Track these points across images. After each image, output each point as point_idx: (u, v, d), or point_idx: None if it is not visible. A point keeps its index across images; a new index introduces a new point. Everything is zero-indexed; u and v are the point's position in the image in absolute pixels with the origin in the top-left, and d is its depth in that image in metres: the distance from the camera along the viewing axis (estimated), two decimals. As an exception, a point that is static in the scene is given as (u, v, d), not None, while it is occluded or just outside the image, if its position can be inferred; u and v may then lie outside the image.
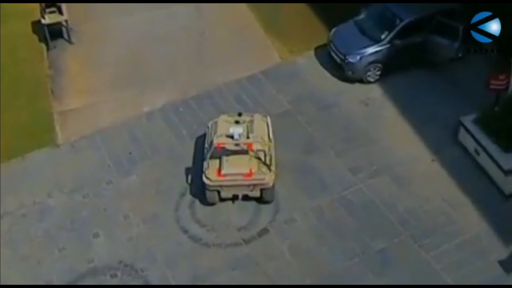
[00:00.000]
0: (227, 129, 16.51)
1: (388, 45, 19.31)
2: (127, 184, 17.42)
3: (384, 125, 18.63)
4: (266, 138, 16.86)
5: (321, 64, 20.29)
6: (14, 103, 19.44)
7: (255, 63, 20.34)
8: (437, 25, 19.19)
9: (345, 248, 15.94)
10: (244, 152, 16.40)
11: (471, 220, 16.27)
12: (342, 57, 19.56)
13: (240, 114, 17.19)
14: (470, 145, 17.51)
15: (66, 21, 20.81)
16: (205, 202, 16.82)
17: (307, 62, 20.43)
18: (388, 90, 19.45)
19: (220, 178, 16.26)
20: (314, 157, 17.83)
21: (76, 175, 17.60)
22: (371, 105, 19.20)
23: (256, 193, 16.54)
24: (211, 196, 16.62)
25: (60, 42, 21.31)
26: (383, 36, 19.36)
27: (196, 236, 16.25)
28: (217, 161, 16.43)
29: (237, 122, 16.90)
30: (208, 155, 16.48)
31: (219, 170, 16.30)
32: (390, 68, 19.51)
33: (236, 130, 16.41)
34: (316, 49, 20.70)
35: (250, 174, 16.17)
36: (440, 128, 18.23)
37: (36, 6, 21.37)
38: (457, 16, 19.17)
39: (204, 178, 16.36)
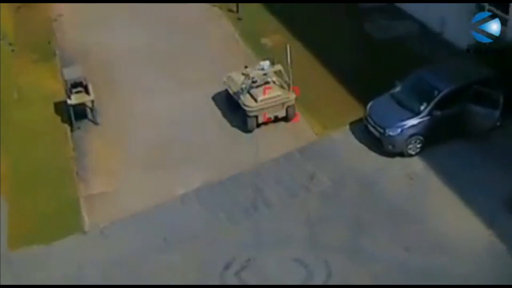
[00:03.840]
0: (239, 77, 20.22)
1: (428, 117, 18.76)
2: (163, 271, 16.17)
3: (432, 199, 17.76)
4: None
5: (358, 139, 19.60)
6: (37, 188, 18.39)
7: (290, 140, 19.69)
8: (475, 95, 18.74)
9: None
10: (267, 83, 20.10)
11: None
12: (382, 130, 18.93)
13: (246, 67, 20.28)
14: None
15: (92, 101, 20.08)
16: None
17: (344, 138, 19.76)
18: (430, 163, 18.71)
19: (257, 104, 19.62)
20: (363, 237, 16.79)
21: (103, 265, 16.24)
22: (416, 179, 18.38)
23: (283, 112, 19.98)
24: (251, 122, 19.84)
25: (84, 123, 20.48)
26: (422, 108, 18.82)
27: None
28: (248, 95, 19.80)
29: (243, 74, 20.13)
30: (245, 90, 19.82)
31: (255, 99, 19.64)
32: (430, 140, 18.90)
33: (265, 63, 20.19)
34: (351, 124, 20.09)
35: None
36: (491, 198, 17.39)
37: (60, 87, 20.69)
38: (493, 84, 18.81)
39: (245, 107, 19.66)
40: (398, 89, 19.67)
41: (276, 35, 24.14)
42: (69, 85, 19.86)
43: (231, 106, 20.69)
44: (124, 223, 17.46)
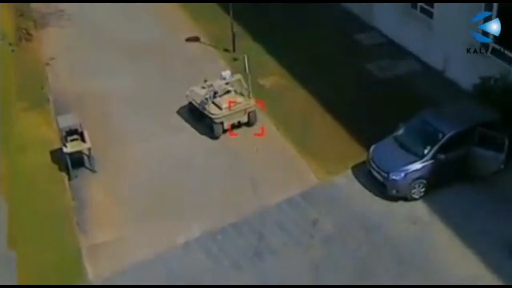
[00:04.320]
0: (201, 90, 21.71)
1: (432, 161, 18.45)
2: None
3: (437, 244, 17.41)
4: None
5: (361, 183, 19.25)
6: (37, 240, 17.84)
7: (292, 185, 19.30)
8: (479, 138, 18.50)
9: None
10: (228, 92, 21.61)
11: None
12: (385, 175, 18.60)
13: (206, 81, 21.84)
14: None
15: (89, 149, 19.64)
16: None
17: (346, 182, 19.40)
18: (434, 207, 18.39)
19: (221, 111, 20.95)
20: (369, 283, 16.45)
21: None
22: (420, 224, 18.04)
23: (245, 118, 21.35)
24: (217, 129, 21.08)
25: (81, 171, 20.02)
26: (426, 151, 18.51)
27: None
28: (213, 104, 21.13)
29: (203, 87, 21.79)
30: (209, 100, 21.20)
31: (219, 107, 20.99)
32: (434, 183, 18.58)
33: (226, 73, 21.79)
34: (353, 167, 19.75)
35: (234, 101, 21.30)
36: (495, 242, 17.06)
37: (55, 135, 20.26)
38: (498, 127, 18.57)
39: (211, 115, 20.93)
40: (401, 132, 19.38)
41: (274, 76, 23.98)
42: (64, 133, 19.40)
43: (195, 117, 21.94)
44: (127, 273, 16.97)
